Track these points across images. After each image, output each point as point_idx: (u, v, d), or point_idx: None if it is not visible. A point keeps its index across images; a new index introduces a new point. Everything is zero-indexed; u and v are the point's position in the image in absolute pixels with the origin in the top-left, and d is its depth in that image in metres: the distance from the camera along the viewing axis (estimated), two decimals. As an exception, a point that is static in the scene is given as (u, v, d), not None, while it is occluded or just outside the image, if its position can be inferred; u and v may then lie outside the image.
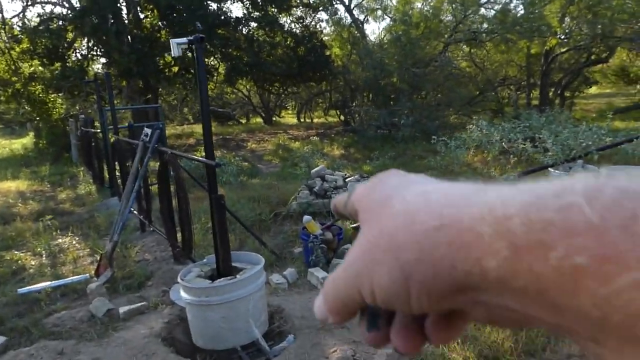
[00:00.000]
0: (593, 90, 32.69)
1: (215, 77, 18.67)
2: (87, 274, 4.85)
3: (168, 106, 26.90)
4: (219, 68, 18.62)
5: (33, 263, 5.42)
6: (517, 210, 0.25)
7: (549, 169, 6.73)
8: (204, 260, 3.80)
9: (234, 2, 18.09)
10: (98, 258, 4.97)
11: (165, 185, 4.72)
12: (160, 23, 15.95)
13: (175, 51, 3.42)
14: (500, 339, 2.96)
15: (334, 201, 0.41)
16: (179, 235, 4.90)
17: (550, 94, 21.82)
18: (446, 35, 17.30)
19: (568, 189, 0.24)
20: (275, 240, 5.69)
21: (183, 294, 3.40)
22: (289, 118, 33.81)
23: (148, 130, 5.18)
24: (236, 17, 16.57)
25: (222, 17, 15.78)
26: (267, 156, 14.36)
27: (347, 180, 6.79)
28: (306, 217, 4.81)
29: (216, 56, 17.33)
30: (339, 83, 21.49)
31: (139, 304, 4.02)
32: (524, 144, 9.46)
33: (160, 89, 19.36)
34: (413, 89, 14.86)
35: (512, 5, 17.37)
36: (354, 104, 19.60)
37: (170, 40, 3.46)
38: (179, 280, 3.45)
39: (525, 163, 9.09)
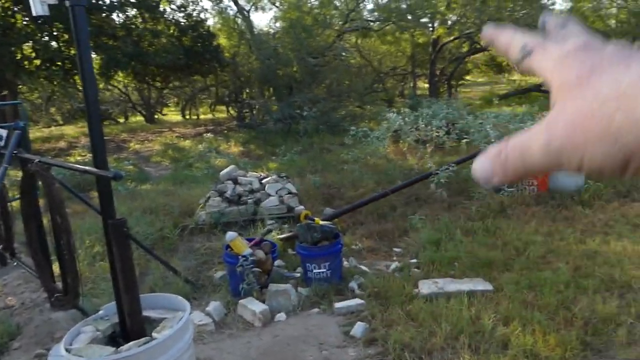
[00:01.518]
0: (467, 78, 34.81)
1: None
2: None
3: (31, 106, 23.61)
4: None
5: None
6: None
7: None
8: (100, 312, 2.67)
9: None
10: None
11: (31, 207, 3.43)
12: (14, 7, 13.52)
13: (37, 8, 2.25)
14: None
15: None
16: (55, 266, 3.65)
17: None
18: (340, 23, 16.84)
19: None
20: (186, 263, 4.59)
21: (71, 372, 2.28)
22: (172, 115, 31.58)
23: (3, 132, 3.83)
24: (110, 1, 14.61)
25: (93, 1, 13.79)
26: (155, 157, 12.84)
27: (263, 181, 5.83)
28: (230, 234, 3.80)
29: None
30: (225, 77, 20.23)
31: (2, 384, 2.78)
32: (438, 132, 9.19)
33: (20, 85, 16.68)
34: (312, 79, 14.17)
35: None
36: (245, 97, 18.52)
37: (28, -6, 2.30)
38: (62, 350, 2.32)
39: (442, 152, 8.81)
